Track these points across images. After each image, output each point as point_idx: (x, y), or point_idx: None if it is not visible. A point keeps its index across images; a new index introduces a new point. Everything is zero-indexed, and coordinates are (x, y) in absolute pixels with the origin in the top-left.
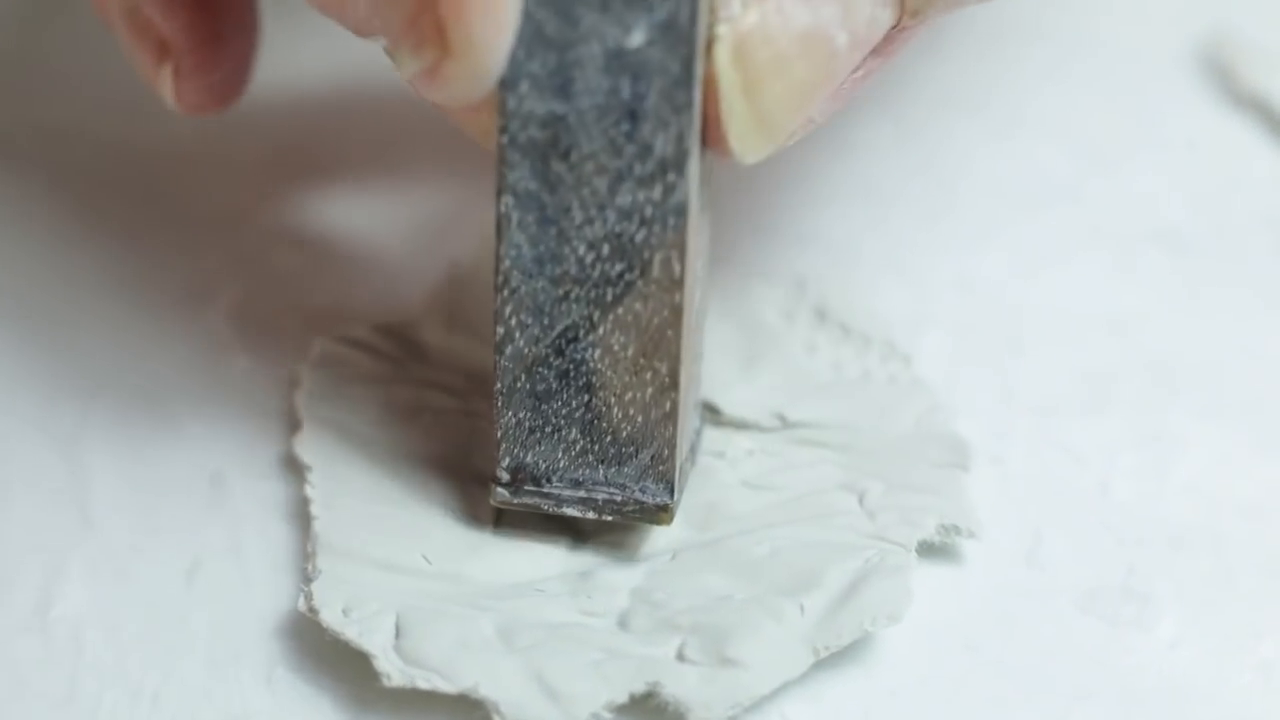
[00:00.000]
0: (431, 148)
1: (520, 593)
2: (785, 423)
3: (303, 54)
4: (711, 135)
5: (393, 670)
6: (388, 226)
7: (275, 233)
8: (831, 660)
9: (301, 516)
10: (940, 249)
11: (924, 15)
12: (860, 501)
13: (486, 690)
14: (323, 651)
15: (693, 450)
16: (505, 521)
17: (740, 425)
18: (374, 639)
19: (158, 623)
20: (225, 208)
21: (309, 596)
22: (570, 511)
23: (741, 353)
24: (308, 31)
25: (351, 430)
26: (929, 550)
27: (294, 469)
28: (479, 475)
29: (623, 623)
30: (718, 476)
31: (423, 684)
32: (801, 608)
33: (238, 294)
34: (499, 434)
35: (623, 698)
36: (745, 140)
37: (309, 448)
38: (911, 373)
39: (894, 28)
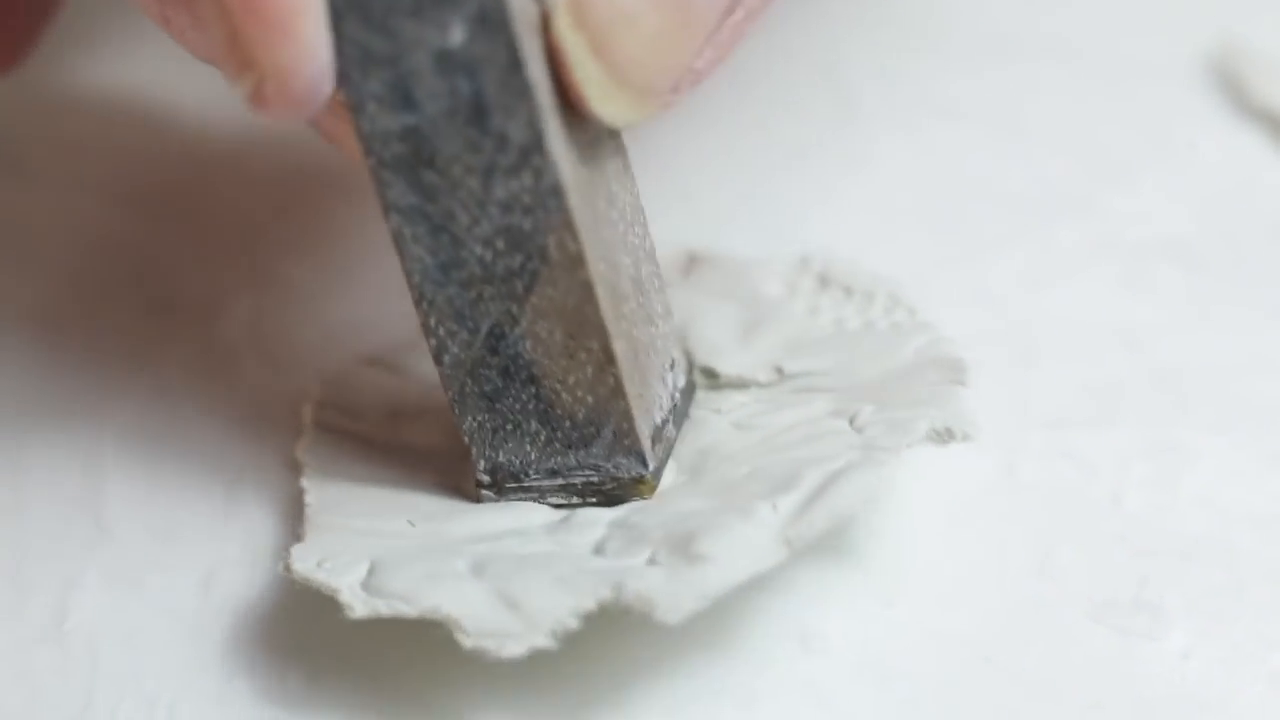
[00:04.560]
0: None
1: (499, 538)
2: (783, 375)
3: None
4: (574, 102)
5: (355, 602)
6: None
7: (291, 245)
8: (844, 670)
9: None
10: (950, 261)
11: None
12: (850, 422)
13: (448, 609)
14: (337, 661)
15: (677, 409)
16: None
17: (738, 384)
18: (342, 579)
19: (173, 632)
20: (241, 220)
21: (287, 557)
22: (555, 501)
23: (741, 323)
24: None
25: (354, 433)
26: (937, 562)
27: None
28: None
29: (598, 550)
30: (710, 425)
31: (385, 610)
32: (774, 506)
33: (253, 306)
34: (466, 440)
35: (589, 604)
36: (608, 102)
37: (309, 450)
38: (916, 319)
39: None
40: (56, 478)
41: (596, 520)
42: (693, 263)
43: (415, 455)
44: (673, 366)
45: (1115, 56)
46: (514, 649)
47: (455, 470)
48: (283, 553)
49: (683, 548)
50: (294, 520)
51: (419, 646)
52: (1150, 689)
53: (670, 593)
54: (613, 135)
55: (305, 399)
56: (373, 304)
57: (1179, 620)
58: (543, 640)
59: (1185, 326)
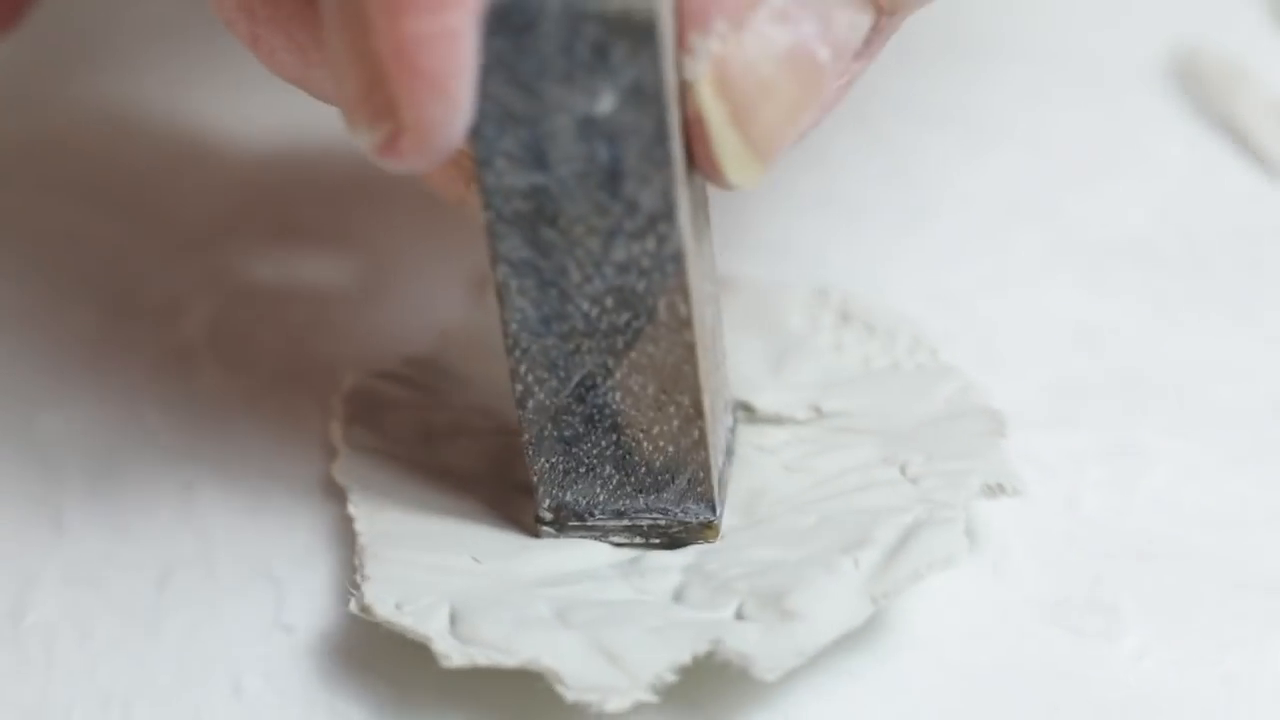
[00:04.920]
0: None
1: (573, 580)
2: (820, 414)
3: None
4: (706, 170)
5: (451, 650)
6: (367, 236)
7: (253, 247)
8: (795, 672)
9: (271, 524)
10: (912, 262)
11: (902, 11)
12: (902, 471)
13: (548, 661)
14: (292, 660)
15: (729, 449)
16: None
17: (775, 420)
18: (429, 625)
19: (128, 631)
20: (206, 222)
21: (360, 597)
22: (617, 540)
23: (770, 356)
24: None
25: (388, 454)
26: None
27: (267, 477)
28: (519, 485)
29: (678, 597)
30: (758, 464)
31: (482, 660)
32: (855, 561)
33: (215, 307)
34: (535, 479)
35: (685, 658)
36: (741, 169)
37: (346, 471)
38: (940, 361)
39: (872, 28)
40: (15, 475)
41: (668, 565)
42: None
43: (457, 480)
44: (729, 407)
45: (1079, 60)
46: (618, 703)
47: (503, 498)
48: (352, 591)
49: (773, 603)
50: (257, 526)
51: (372, 649)
52: (1105, 690)
53: (768, 650)
54: (704, 194)
55: (326, 417)
56: (335, 306)
57: (1134, 621)
58: (644, 695)
59: (1144, 329)
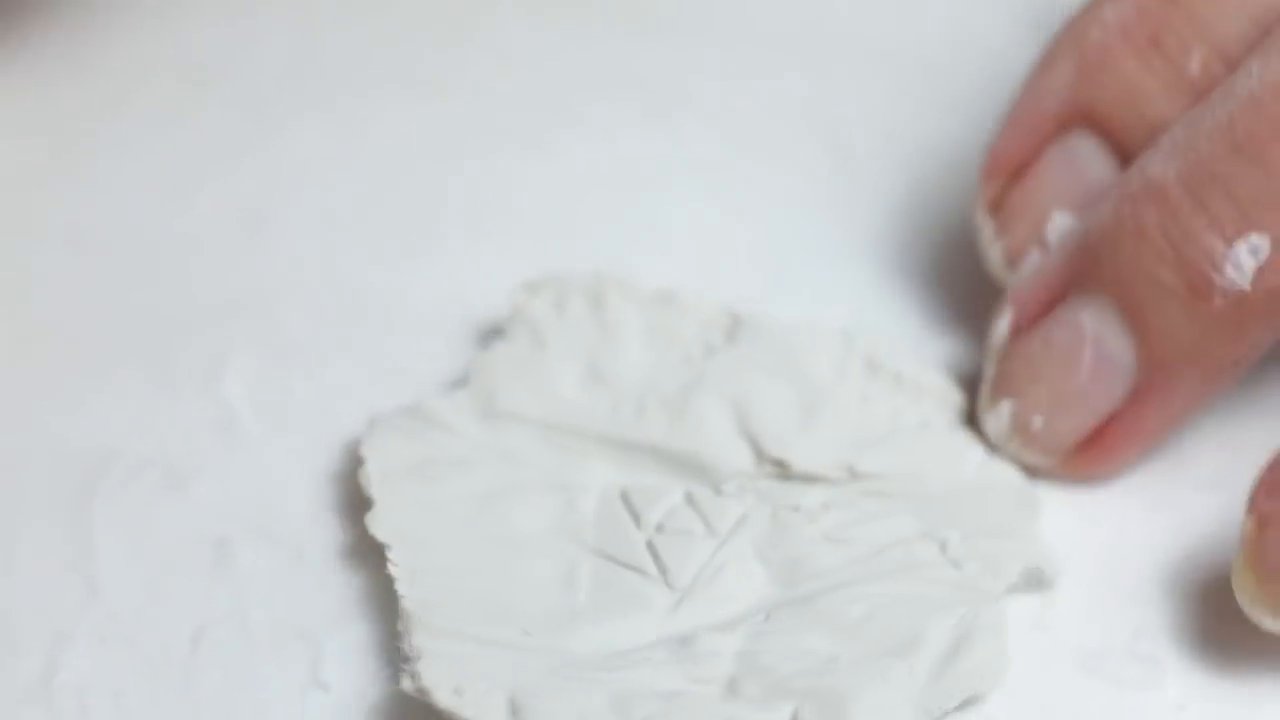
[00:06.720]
0: (456, 213)
1: (625, 662)
2: (854, 474)
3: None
4: None
5: None
6: (405, 297)
7: (292, 304)
8: None
9: (307, 582)
10: (944, 298)
11: None
12: (942, 550)
13: None
14: (322, 718)
15: None
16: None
17: (810, 478)
18: (491, 718)
19: (161, 690)
20: (241, 278)
21: (416, 676)
22: None
23: (798, 406)
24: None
25: (424, 505)
26: None
27: (302, 534)
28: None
29: (732, 689)
30: (797, 531)
31: None
32: (910, 669)
33: (249, 362)
34: None
35: None
36: None
37: (384, 525)
38: (964, 418)
39: None
40: (47, 534)
41: (720, 650)
42: (736, 326)
43: (497, 537)
44: None
45: None
46: None
47: (544, 554)
48: (403, 666)
49: (833, 712)
50: (291, 584)
51: (408, 709)
52: None
53: None
54: None
55: (353, 463)
56: (373, 362)
57: (1175, 672)
58: None
59: None
